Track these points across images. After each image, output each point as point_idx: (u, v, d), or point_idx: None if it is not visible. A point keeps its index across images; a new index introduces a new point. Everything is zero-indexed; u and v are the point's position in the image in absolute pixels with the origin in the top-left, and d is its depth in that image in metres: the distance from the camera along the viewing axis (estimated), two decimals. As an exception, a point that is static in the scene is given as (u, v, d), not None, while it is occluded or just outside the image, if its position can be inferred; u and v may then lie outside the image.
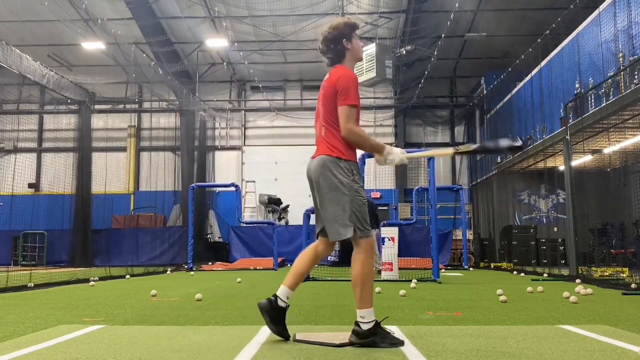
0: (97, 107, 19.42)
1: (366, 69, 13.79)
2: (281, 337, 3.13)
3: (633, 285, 6.86)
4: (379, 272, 9.88)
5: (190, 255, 12.98)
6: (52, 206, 15.29)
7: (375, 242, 11.21)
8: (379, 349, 2.88)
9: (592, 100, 10.00)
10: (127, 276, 9.80)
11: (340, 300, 5.53)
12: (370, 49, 13.74)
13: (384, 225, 10.97)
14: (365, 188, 10.17)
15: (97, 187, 15.78)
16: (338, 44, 3.15)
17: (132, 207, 19.31)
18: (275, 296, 3.13)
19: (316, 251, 3.27)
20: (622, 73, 8.88)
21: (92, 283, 7.99)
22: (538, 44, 13.05)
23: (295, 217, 17.58)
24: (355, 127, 3.03)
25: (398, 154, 3.18)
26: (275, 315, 3.10)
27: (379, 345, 2.90)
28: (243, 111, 20.77)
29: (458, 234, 15.98)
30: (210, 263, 15.75)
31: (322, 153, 3.11)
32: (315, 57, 18.32)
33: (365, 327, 2.94)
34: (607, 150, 11.08)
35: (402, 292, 6.06)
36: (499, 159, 16.04)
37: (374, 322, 2.96)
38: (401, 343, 2.95)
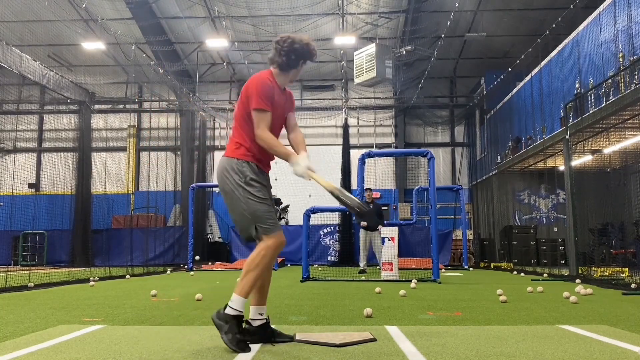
0: (97, 107, 19.43)
1: (366, 69, 13.79)
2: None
3: (633, 285, 6.86)
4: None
5: (190, 255, 12.98)
6: (52, 206, 15.27)
7: (369, 242, 11.24)
8: (378, 349, 2.88)
9: (592, 100, 10.00)
10: (127, 276, 9.80)
11: (340, 300, 5.53)
12: (370, 49, 13.74)
13: (384, 226, 10.97)
14: (365, 187, 10.21)
15: (97, 187, 15.78)
16: (297, 60, 3.12)
17: (132, 207, 19.31)
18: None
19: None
20: (622, 73, 8.88)
21: (92, 283, 7.99)
22: (538, 44, 13.05)
23: (295, 217, 17.58)
24: (262, 133, 2.98)
25: (302, 166, 3.02)
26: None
27: (221, 334, 2.87)
28: (243, 111, 20.75)
29: (458, 234, 15.98)
30: (210, 263, 15.74)
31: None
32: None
33: (228, 311, 2.90)
34: (607, 150, 11.07)
35: (402, 292, 6.06)
36: (498, 159, 16.06)
37: (237, 314, 2.89)
38: (243, 350, 2.78)
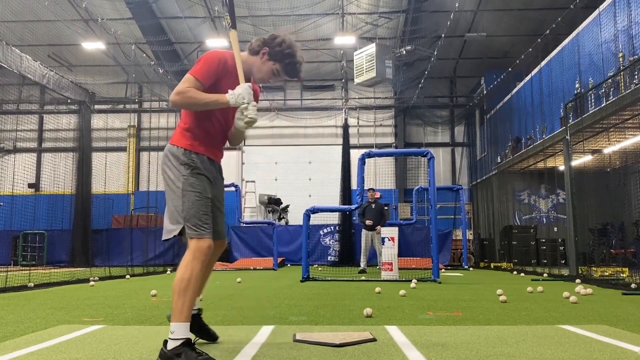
0: (97, 107, 19.44)
1: (366, 69, 13.79)
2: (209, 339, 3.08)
3: (633, 285, 6.86)
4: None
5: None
6: (52, 206, 15.28)
7: (370, 242, 11.26)
8: (378, 349, 2.87)
9: (592, 100, 10.00)
10: (127, 276, 9.80)
11: (340, 300, 5.53)
12: (370, 49, 13.74)
13: (384, 226, 10.98)
14: (365, 187, 10.22)
15: (97, 187, 15.79)
16: (260, 49, 2.88)
17: (131, 207, 19.31)
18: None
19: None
20: (622, 73, 8.88)
21: (92, 283, 7.99)
22: (538, 44, 13.06)
23: (295, 217, 17.58)
24: (185, 89, 2.59)
25: (239, 90, 2.62)
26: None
27: None
28: (243, 111, 20.74)
29: (458, 234, 15.98)
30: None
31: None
32: (315, 57, 18.37)
33: (171, 345, 2.44)
34: (607, 150, 11.07)
35: (402, 292, 6.06)
36: (498, 159, 16.06)
37: (183, 340, 2.45)
38: None
